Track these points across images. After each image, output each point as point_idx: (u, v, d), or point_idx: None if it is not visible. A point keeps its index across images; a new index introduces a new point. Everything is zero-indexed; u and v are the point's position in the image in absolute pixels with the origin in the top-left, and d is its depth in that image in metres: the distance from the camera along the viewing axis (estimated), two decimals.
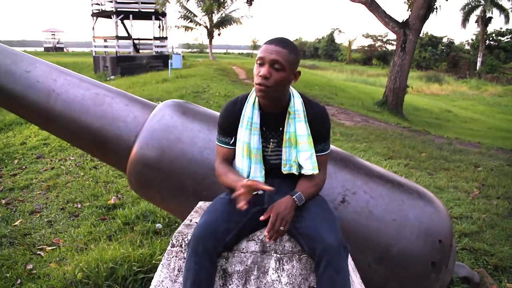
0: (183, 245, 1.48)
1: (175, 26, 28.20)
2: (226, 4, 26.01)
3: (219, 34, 28.83)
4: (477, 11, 35.74)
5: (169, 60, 15.83)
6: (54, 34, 44.49)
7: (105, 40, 19.81)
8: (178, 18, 28.15)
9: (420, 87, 25.01)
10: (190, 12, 27.88)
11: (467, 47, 43.73)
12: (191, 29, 28.72)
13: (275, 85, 1.37)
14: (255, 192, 1.40)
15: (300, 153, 1.46)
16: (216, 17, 28.05)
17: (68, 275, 2.33)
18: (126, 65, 18.32)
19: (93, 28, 20.22)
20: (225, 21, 28.36)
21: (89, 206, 3.51)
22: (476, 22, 36.33)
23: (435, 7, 11.36)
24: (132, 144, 2.02)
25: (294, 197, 1.40)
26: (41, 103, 2.12)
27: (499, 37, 39.69)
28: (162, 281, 1.47)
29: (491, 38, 39.23)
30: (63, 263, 2.59)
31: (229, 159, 1.53)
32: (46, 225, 3.25)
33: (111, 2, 18.83)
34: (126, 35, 20.20)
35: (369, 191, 1.87)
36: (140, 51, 21.00)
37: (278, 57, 1.36)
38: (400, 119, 10.61)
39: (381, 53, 46.29)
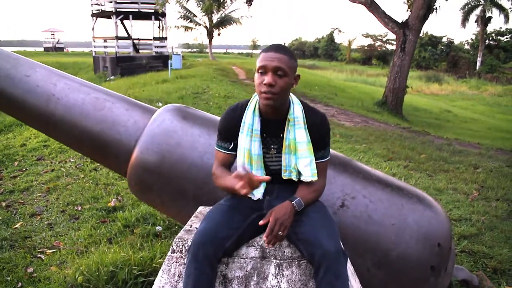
0: (183, 251, 1.49)
1: (175, 26, 28.24)
2: (225, 4, 26.01)
3: (218, 34, 28.85)
4: (477, 11, 35.77)
5: (169, 61, 15.83)
6: (54, 34, 44.47)
7: (105, 41, 19.80)
8: (178, 18, 28.18)
9: (419, 87, 25.03)
10: (190, 12, 27.90)
11: (466, 46, 43.75)
12: (191, 29, 28.74)
13: (281, 92, 1.39)
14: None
15: (299, 159, 1.47)
16: (215, 17, 28.07)
17: (69, 278, 2.33)
18: (126, 65, 18.32)
19: (92, 29, 20.21)
20: (224, 21, 28.38)
21: (89, 208, 3.51)
22: (475, 21, 36.35)
23: (434, 7, 11.37)
24: (132, 149, 2.03)
25: (293, 202, 1.41)
26: (41, 107, 2.13)
27: (498, 37, 39.71)
28: (163, 286, 1.48)
29: (490, 38, 39.24)
30: (63, 267, 2.60)
31: (227, 164, 1.54)
32: (47, 227, 3.26)
33: (111, 2, 18.82)
34: (126, 35, 20.20)
35: (368, 196, 1.88)
36: (140, 51, 20.99)
37: (280, 64, 1.38)
38: (399, 119, 10.63)
39: (380, 52, 46.29)
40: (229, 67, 17.83)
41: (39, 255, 2.81)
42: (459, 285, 2.20)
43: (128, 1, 19.42)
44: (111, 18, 19.35)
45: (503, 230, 3.09)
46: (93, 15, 20.01)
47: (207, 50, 32.95)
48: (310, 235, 1.36)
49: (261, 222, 1.38)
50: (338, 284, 1.30)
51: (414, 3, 11.12)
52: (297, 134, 1.46)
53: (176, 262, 1.49)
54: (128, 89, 10.12)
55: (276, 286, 1.44)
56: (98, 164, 4.56)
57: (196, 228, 1.58)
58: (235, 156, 1.53)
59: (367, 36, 49.25)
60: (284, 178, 1.52)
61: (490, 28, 38.08)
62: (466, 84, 27.90)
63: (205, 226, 1.41)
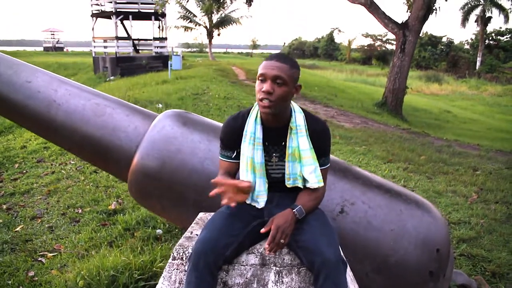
0: (184, 258, 1.50)
1: (175, 27, 28.24)
2: (225, 5, 26.02)
3: (218, 34, 28.88)
4: (477, 11, 35.78)
5: (169, 61, 15.83)
6: (53, 34, 44.45)
7: (105, 41, 19.79)
8: (178, 18, 28.19)
9: (419, 87, 25.05)
10: (190, 12, 27.90)
11: (466, 46, 43.74)
12: (191, 29, 28.74)
13: (279, 100, 1.40)
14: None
15: (304, 167, 1.48)
16: (215, 17, 28.07)
17: (70, 282, 2.35)
18: (126, 65, 18.31)
19: (92, 29, 20.20)
20: (224, 21, 28.39)
21: (90, 211, 3.52)
22: (475, 21, 36.35)
23: (434, 8, 11.38)
24: (133, 154, 2.04)
25: (294, 210, 1.43)
26: (42, 113, 2.14)
27: (498, 37, 39.71)
28: None
29: (490, 38, 39.25)
30: (64, 270, 2.61)
31: (232, 173, 1.56)
32: (47, 230, 3.27)
33: (111, 2, 18.81)
34: (126, 35, 20.19)
35: (367, 201, 1.89)
36: (140, 51, 20.99)
37: (279, 73, 1.39)
38: (399, 120, 10.64)
39: (380, 52, 46.28)
40: (229, 68, 17.84)
41: (40, 259, 2.83)
42: None
43: (128, 1, 19.40)
44: (111, 19, 19.34)
45: (502, 234, 3.11)
46: (93, 15, 19.99)
47: (207, 50, 32.96)
48: (310, 243, 1.38)
49: (262, 230, 1.40)
50: None
51: (414, 4, 11.14)
52: (300, 142, 1.48)
53: (177, 269, 1.50)
54: (128, 90, 10.13)
55: None
56: None
57: (196, 235, 1.59)
58: (238, 164, 1.55)
59: (367, 36, 49.25)
60: (288, 186, 1.53)
61: (490, 28, 38.14)
62: (466, 84, 27.92)
63: (206, 234, 1.42)
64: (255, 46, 62.01)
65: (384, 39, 47.27)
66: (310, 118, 1.52)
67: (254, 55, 57.82)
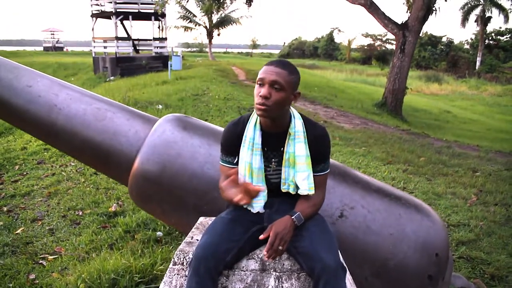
0: (184, 263, 1.51)
1: (175, 27, 28.24)
2: (225, 5, 26.03)
3: (218, 35, 28.89)
4: (477, 11, 35.80)
5: (169, 62, 15.84)
6: (53, 34, 44.47)
7: (105, 41, 19.80)
8: (178, 18, 28.19)
9: (419, 86, 25.06)
10: (190, 12, 27.91)
11: (466, 46, 43.73)
12: (191, 29, 28.75)
13: (275, 105, 1.41)
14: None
15: (297, 173, 1.49)
16: (215, 18, 28.08)
17: (71, 285, 2.35)
18: (126, 65, 18.32)
19: (92, 29, 20.21)
20: (224, 21, 28.40)
21: (90, 213, 3.53)
22: (475, 21, 36.37)
23: (434, 8, 11.38)
24: (133, 159, 2.05)
25: (293, 217, 1.44)
26: (43, 117, 2.15)
27: (498, 37, 39.72)
28: None
29: (490, 38, 39.25)
30: (65, 273, 2.62)
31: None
32: (48, 233, 3.28)
33: (111, 2, 18.81)
34: (126, 35, 20.20)
35: (366, 206, 1.90)
36: (140, 51, 21.00)
37: (277, 78, 1.40)
38: (399, 121, 10.65)
39: (380, 52, 46.27)
40: (229, 68, 17.85)
41: (40, 261, 2.83)
42: None
43: (128, 2, 19.41)
44: (111, 19, 19.35)
45: (501, 236, 3.12)
46: (93, 15, 20.01)
47: (207, 50, 32.97)
48: (309, 249, 1.39)
49: (261, 237, 1.41)
50: None
51: (414, 4, 11.15)
52: (296, 148, 1.49)
53: (177, 274, 1.51)
54: (128, 90, 10.14)
55: None
56: None
57: (197, 240, 1.60)
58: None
59: (366, 35, 49.24)
60: (283, 191, 1.54)
61: (489, 27, 38.16)
62: (465, 84, 27.93)
63: (206, 239, 1.43)
64: (255, 46, 62.02)
65: (384, 39, 47.27)
66: (309, 124, 1.53)
67: (254, 55, 57.83)
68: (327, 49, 55.24)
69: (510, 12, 33.89)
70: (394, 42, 12.04)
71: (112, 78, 17.23)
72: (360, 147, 5.77)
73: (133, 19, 19.80)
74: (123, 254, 2.65)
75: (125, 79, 15.74)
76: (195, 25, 28.66)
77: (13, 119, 2.27)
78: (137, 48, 20.46)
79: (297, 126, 1.50)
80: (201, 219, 1.83)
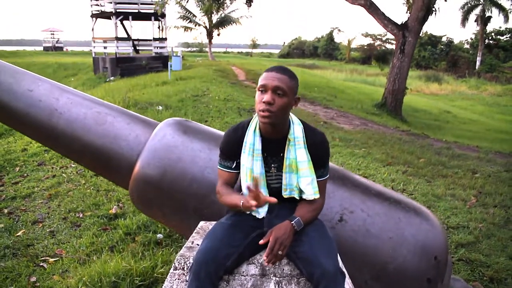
0: (185, 268, 1.52)
1: (175, 27, 28.23)
2: (225, 5, 26.02)
3: (218, 35, 28.88)
4: (477, 10, 35.81)
5: (169, 62, 15.84)
6: (53, 34, 44.46)
7: (105, 41, 19.81)
8: (178, 18, 28.19)
9: (419, 86, 25.07)
10: (190, 12, 27.91)
11: (466, 46, 43.75)
12: (191, 30, 28.75)
13: (279, 111, 1.42)
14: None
15: (301, 178, 1.50)
16: (215, 18, 28.08)
17: None
18: (126, 66, 18.32)
19: (92, 29, 20.22)
20: (224, 22, 28.40)
21: (91, 215, 3.54)
22: (475, 21, 36.38)
23: (434, 9, 11.39)
24: (134, 163, 2.06)
25: (293, 222, 1.45)
26: (43, 121, 2.16)
27: (498, 36, 39.73)
28: None
29: (490, 37, 39.26)
30: (66, 276, 2.63)
31: (231, 183, 1.58)
32: (49, 235, 3.29)
33: (111, 3, 18.82)
34: (126, 36, 20.20)
35: (366, 210, 1.92)
36: (140, 51, 21.00)
37: (280, 83, 1.42)
38: (399, 121, 10.66)
39: (380, 52, 46.27)
40: (229, 68, 17.85)
41: (41, 264, 2.85)
42: None
43: (128, 2, 19.41)
44: (110, 19, 19.36)
45: (500, 238, 3.13)
46: (92, 15, 20.01)
47: (207, 50, 32.97)
48: (309, 254, 1.40)
49: (261, 242, 1.42)
50: None
51: (414, 4, 11.15)
52: (298, 153, 1.50)
53: (178, 279, 1.53)
54: (128, 91, 10.15)
55: None
56: None
57: (197, 245, 1.61)
58: (238, 174, 1.57)
59: (366, 35, 49.21)
60: (284, 196, 1.55)
61: (489, 27, 38.18)
62: (465, 83, 27.95)
63: (207, 244, 1.44)
64: (254, 45, 62.03)
65: (384, 38, 47.26)
66: (308, 130, 1.54)
67: (254, 55, 57.84)
68: (327, 49, 55.24)
69: (510, 12, 33.90)
70: (394, 42, 12.04)
71: (112, 78, 17.23)
72: (360, 148, 5.78)
73: (133, 19, 19.81)
74: (124, 257, 2.66)
75: (125, 79, 15.75)
76: (195, 25, 28.66)
77: (14, 122, 2.28)
78: (137, 48, 20.46)
79: (297, 132, 1.51)
80: (202, 223, 1.84)
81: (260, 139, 1.51)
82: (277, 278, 1.49)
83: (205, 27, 28.44)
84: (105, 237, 3.13)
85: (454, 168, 5.12)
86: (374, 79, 25.58)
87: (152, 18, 19.91)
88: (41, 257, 2.94)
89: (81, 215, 3.59)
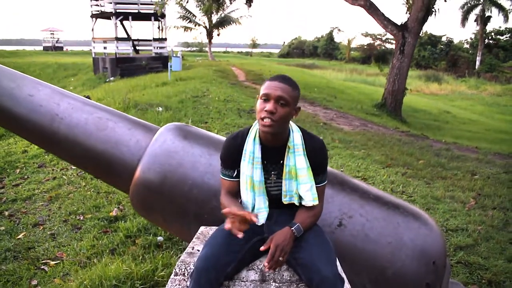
0: (186, 274, 1.54)
1: (174, 27, 28.23)
2: (225, 5, 26.02)
3: (218, 35, 28.89)
4: (476, 10, 35.85)
5: (169, 63, 15.85)
6: (53, 33, 44.44)
7: (105, 41, 19.81)
8: (178, 18, 28.19)
9: (419, 86, 25.10)
10: (190, 12, 27.91)
11: (466, 46, 43.76)
12: (190, 30, 28.75)
13: (280, 120, 1.44)
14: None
15: (300, 185, 1.52)
16: (215, 18, 28.08)
17: None
18: (126, 66, 18.33)
19: (92, 30, 20.23)
20: (224, 22, 28.40)
21: (91, 218, 3.56)
22: (475, 21, 36.41)
23: (433, 9, 11.40)
24: (134, 168, 2.08)
25: (293, 228, 1.46)
26: (44, 127, 2.17)
27: (498, 36, 39.75)
28: None
29: (490, 37, 39.29)
30: (67, 279, 2.64)
31: (233, 192, 1.59)
32: (49, 238, 3.31)
33: (111, 3, 18.83)
34: (126, 36, 20.21)
35: (365, 214, 1.93)
36: (140, 52, 21.01)
37: (283, 94, 1.43)
38: (398, 122, 10.68)
39: (380, 52, 46.29)
40: (229, 68, 17.86)
41: (42, 267, 2.86)
42: None
43: (128, 2, 19.42)
44: (110, 19, 19.37)
45: (498, 241, 3.14)
46: (92, 16, 20.02)
47: (207, 49, 32.97)
48: (308, 261, 1.41)
49: (262, 248, 1.44)
50: None
51: (413, 5, 11.16)
52: (297, 160, 1.52)
53: (179, 285, 1.54)
54: (128, 92, 10.15)
55: None
56: None
57: (198, 250, 1.63)
58: (240, 182, 1.59)
59: (366, 35, 49.25)
60: (284, 202, 1.57)
61: (489, 27, 38.23)
62: (465, 83, 27.97)
63: (207, 251, 1.45)
64: (254, 45, 62.01)
65: (383, 38, 47.29)
66: (307, 137, 1.56)
67: (254, 54, 57.83)
68: (327, 49, 55.24)
69: (509, 12, 33.92)
70: (394, 42, 12.05)
71: (112, 78, 17.24)
72: (359, 150, 5.80)
73: (133, 20, 19.82)
74: (125, 260, 2.68)
75: (125, 79, 15.75)
76: (195, 25, 28.67)
77: (16, 128, 2.29)
78: (137, 48, 20.47)
79: (296, 139, 1.53)
80: (202, 228, 1.86)
81: (260, 147, 1.53)
82: (277, 284, 1.51)
83: (205, 27, 28.45)
84: (106, 239, 3.15)
85: (453, 170, 5.14)
86: (374, 79, 25.59)
87: (152, 18, 19.92)
88: (42, 260, 2.95)
89: (81, 218, 3.60)
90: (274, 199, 1.58)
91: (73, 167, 4.89)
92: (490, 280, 2.61)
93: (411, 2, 11.77)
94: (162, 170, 2.00)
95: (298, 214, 1.54)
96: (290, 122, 1.55)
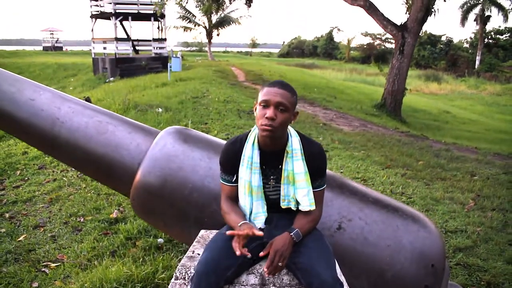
0: (186, 278, 1.55)
1: (174, 27, 28.24)
2: (224, 5, 26.03)
3: (218, 35, 28.90)
4: (476, 10, 35.86)
5: (168, 63, 15.85)
6: (52, 33, 44.44)
7: (104, 42, 19.82)
8: (177, 18, 28.21)
9: (419, 86, 25.12)
10: (189, 12, 27.92)
11: (466, 45, 43.77)
12: (190, 30, 28.77)
13: (280, 126, 1.46)
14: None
15: (297, 190, 1.53)
16: (215, 18, 28.09)
17: None
18: (125, 66, 18.34)
19: (92, 30, 20.23)
20: (224, 22, 28.42)
21: (92, 220, 3.57)
22: (474, 20, 36.43)
23: (433, 10, 11.41)
24: (135, 172, 2.09)
25: (291, 234, 1.48)
26: (45, 131, 2.18)
27: (497, 36, 39.76)
28: None
29: (489, 37, 39.30)
30: (68, 281, 2.65)
31: (233, 197, 1.61)
32: (50, 240, 3.31)
33: (110, 3, 18.83)
34: (125, 36, 20.21)
35: (364, 218, 1.94)
36: (139, 52, 21.02)
37: (282, 99, 1.45)
38: (398, 122, 10.69)
39: (380, 51, 46.30)
40: (228, 68, 17.86)
41: (43, 269, 2.87)
42: None
43: (127, 2, 19.43)
44: (110, 19, 19.37)
45: (497, 242, 3.15)
46: (92, 16, 20.02)
47: (206, 49, 32.98)
48: (308, 265, 1.43)
49: (261, 254, 1.45)
50: None
51: (413, 5, 11.17)
52: (295, 165, 1.53)
53: None
54: (128, 93, 10.15)
55: None
56: None
57: (198, 254, 1.64)
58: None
59: (366, 34, 49.27)
60: (283, 207, 1.58)
61: (489, 26, 38.22)
62: (465, 83, 27.98)
63: (207, 255, 1.47)
64: (254, 45, 61.99)
65: (383, 38, 47.30)
66: (305, 141, 1.57)
67: (254, 54, 57.83)
68: (327, 48, 55.24)
69: (509, 11, 33.92)
70: (394, 41, 12.06)
71: (111, 79, 17.25)
72: (359, 151, 5.81)
73: (132, 20, 19.82)
74: (125, 262, 2.69)
75: (124, 80, 15.76)
76: (195, 25, 28.69)
77: (16, 132, 2.30)
78: (137, 48, 20.47)
79: (294, 144, 1.54)
80: (202, 232, 1.87)
81: (259, 152, 1.54)
82: None
83: (205, 27, 28.46)
84: (106, 241, 3.16)
85: (453, 171, 5.15)
86: (373, 79, 25.60)
87: (152, 18, 19.92)
88: (43, 262, 2.96)
89: (82, 220, 3.61)
90: (273, 204, 1.59)
91: (73, 169, 4.90)
92: (489, 282, 2.62)
93: (410, 2, 11.78)
94: (163, 173, 2.01)
95: (297, 219, 1.55)
96: (289, 127, 1.57)
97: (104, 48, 19.51)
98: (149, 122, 6.56)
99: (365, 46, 49.09)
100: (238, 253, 1.37)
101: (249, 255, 1.39)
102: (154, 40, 20.41)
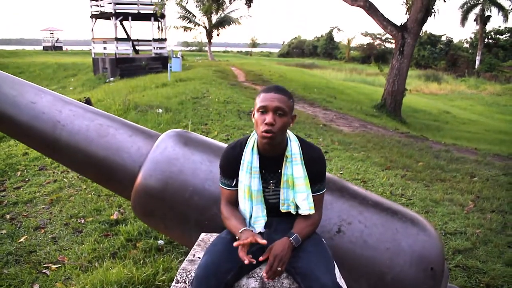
0: (187, 281, 1.56)
1: (174, 27, 28.25)
2: (224, 5, 26.04)
3: (218, 35, 28.91)
4: (476, 10, 35.86)
5: (169, 64, 15.86)
6: (52, 33, 44.45)
7: (105, 42, 19.83)
8: (178, 18, 28.22)
9: (418, 86, 25.12)
10: (189, 12, 27.94)
11: (466, 45, 43.78)
12: (190, 30, 28.78)
13: (280, 130, 1.47)
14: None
15: (297, 194, 1.54)
16: (215, 18, 28.11)
17: None
18: (125, 66, 18.35)
19: (92, 30, 20.24)
20: (224, 22, 28.44)
21: (92, 221, 3.57)
22: (475, 20, 36.43)
23: (433, 10, 11.42)
24: (136, 175, 2.10)
25: (291, 239, 1.49)
26: (46, 134, 2.19)
27: (497, 36, 39.77)
28: None
29: (489, 37, 39.31)
30: (68, 283, 2.66)
31: (232, 201, 1.62)
32: (51, 241, 3.32)
33: (110, 3, 18.84)
34: (125, 36, 20.22)
35: (363, 221, 1.95)
36: (139, 52, 21.02)
37: (280, 104, 1.46)
38: (398, 122, 10.69)
39: (380, 51, 46.30)
40: (228, 68, 17.87)
41: (44, 271, 2.87)
42: None
43: (128, 2, 19.44)
44: (110, 19, 19.38)
45: (497, 244, 3.16)
46: (92, 16, 20.03)
47: (206, 49, 32.99)
48: (307, 269, 1.44)
49: (260, 258, 1.46)
50: None
51: (413, 6, 11.18)
52: (294, 170, 1.54)
53: None
54: (128, 93, 10.16)
55: None
56: None
57: (199, 257, 1.65)
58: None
59: (366, 34, 49.27)
60: (282, 211, 1.59)
61: (489, 26, 38.23)
62: (465, 83, 27.99)
63: (207, 259, 1.48)
64: (254, 44, 61.98)
65: (383, 38, 47.29)
66: (305, 146, 1.58)
67: (254, 54, 57.83)
68: (327, 48, 55.24)
69: (509, 11, 33.93)
70: (394, 41, 12.07)
71: (112, 79, 17.25)
72: (359, 152, 5.82)
73: (132, 20, 19.82)
74: (126, 264, 2.70)
75: (124, 80, 15.76)
76: (195, 25, 28.70)
77: (18, 135, 2.31)
78: (137, 48, 20.48)
79: (294, 148, 1.55)
80: (203, 235, 1.88)
81: (258, 157, 1.56)
82: None
83: (205, 27, 28.47)
84: (107, 243, 3.16)
85: (453, 172, 5.16)
86: (373, 79, 25.61)
87: (152, 18, 19.92)
88: (44, 264, 2.96)
89: (82, 221, 3.62)
90: (273, 208, 1.61)
91: None
92: (488, 284, 2.63)
93: (410, 2, 11.79)
94: (164, 177, 2.02)
95: (296, 224, 1.56)
96: (288, 131, 1.58)
97: (104, 48, 19.52)
98: (149, 123, 6.57)
99: (365, 46, 49.09)
100: (246, 262, 1.39)
101: (255, 262, 1.40)
102: (154, 40, 20.42)
